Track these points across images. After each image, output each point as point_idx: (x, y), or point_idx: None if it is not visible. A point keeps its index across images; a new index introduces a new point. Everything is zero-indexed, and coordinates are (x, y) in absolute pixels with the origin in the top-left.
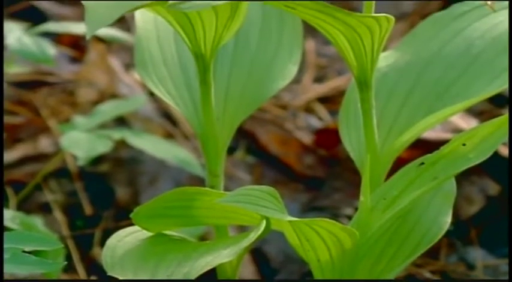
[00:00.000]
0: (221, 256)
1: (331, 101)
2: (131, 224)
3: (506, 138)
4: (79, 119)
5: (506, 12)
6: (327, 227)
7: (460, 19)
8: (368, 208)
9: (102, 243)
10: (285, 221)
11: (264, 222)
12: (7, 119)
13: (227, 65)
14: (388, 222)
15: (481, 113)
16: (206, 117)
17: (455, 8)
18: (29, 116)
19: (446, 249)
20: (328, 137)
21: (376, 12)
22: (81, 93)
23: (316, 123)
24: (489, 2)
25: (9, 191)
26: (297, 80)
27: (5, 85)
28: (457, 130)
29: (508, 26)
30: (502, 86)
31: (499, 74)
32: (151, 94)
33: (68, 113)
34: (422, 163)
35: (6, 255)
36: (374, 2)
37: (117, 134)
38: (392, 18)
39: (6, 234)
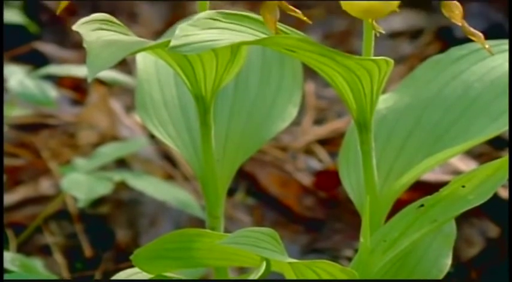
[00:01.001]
0: None
1: (331, 142)
2: (131, 266)
3: (505, 180)
4: (80, 161)
5: (504, 56)
6: (327, 268)
7: (459, 62)
8: (368, 250)
9: None
10: (285, 262)
11: (264, 263)
12: (8, 162)
13: (227, 107)
14: (388, 264)
15: (480, 155)
16: (206, 158)
17: (454, 51)
18: (30, 158)
19: None
20: (328, 179)
21: (375, 55)
22: (82, 135)
23: (316, 165)
24: (487, 46)
25: (9, 233)
26: (296, 122)
27: (6, 128)
28: (457, 172)
29: (508, 68)
30: (501, 129)
31: (498, 116)
32: (152, 136)
33: (68, 155)
34: (422, 205)
35: None
36: (373, 44)
37: (118, 176)
38: (391, 61)
39: (6, 276)
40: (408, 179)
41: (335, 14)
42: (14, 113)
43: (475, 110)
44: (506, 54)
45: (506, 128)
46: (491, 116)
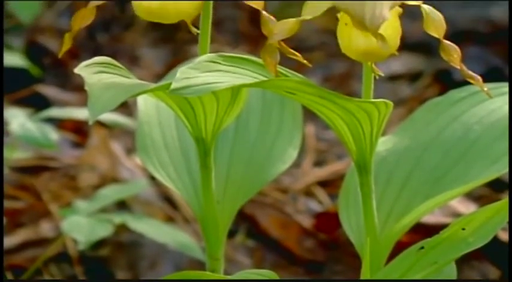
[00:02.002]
0: None
1: (331, 185)
2: None
3: (505, 223)
4: (80, 203)
5: (503, 99)
6: None
7: (458, 105)
8: None
9: None
10: None
11: None
12: (8, 204)
13: (228, 149)
14: None
15: (480, 197)
16: (206, 200)
17: (453, 94)
18: (31, 200)
19: None
20: (328, 221)
21: (374, 98)
22: (83, 177)
23: (316, 207)
24: (486, 89)
25: (9, 276)
26: (297, 164)
27: (7, 170)
28: (456, 214)
29: (508, 111)
30: (500, 171)
31: (498, 158)
32: (153, 178)
33: (69, 197)
34: (422, 247)
35: None
36: (372, 87)
37: (118, 218)
38: (390, 103)
39: None
40: (408, 221)
41: (335, 57)
42: (15, 155)
43: (475, 152)
44: (506, 97)
45: (506, 170)
46: (491, 158)
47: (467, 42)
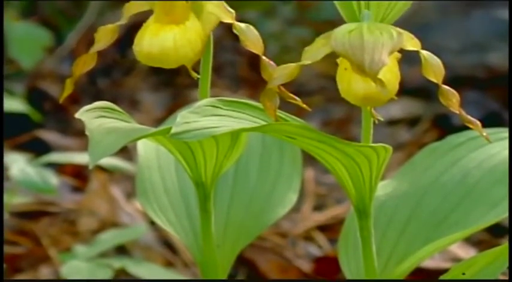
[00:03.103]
0: None
1: (331, 229)
2: None
3: (505, 268)
4: (80, 248)
5: (502, 144)
6: None
7: (457, 149)
8: None
9: None
10: None
11: None
12: (8, 249)
13: (227, 193)
14: None
15: (479, 242)
16: (206, 245)
17: (452, 138)
18: (30, 245)
19: None
20: (328, 265)
21: (373, 142)
22: (83, 222)
23: (315, 251)
24: (484, 133)
25: None
26: (296, 208)
27: (6, 215)
28: (456, 259)
29: (508, 155)
30: (500, 216)
31: (497, 203)
32: (152, 222)
33: (68, 242)
34: None
35: None
36: (372, 131)
37: (118, 263)
38: (389, 147)
39: None
40: (408, 265)
41: (334, 102)
42: (15, 200)
43: (474, 197)
44: (504, 142)
45: (506, 215)
46: (490, 203)
47: (465, 87)
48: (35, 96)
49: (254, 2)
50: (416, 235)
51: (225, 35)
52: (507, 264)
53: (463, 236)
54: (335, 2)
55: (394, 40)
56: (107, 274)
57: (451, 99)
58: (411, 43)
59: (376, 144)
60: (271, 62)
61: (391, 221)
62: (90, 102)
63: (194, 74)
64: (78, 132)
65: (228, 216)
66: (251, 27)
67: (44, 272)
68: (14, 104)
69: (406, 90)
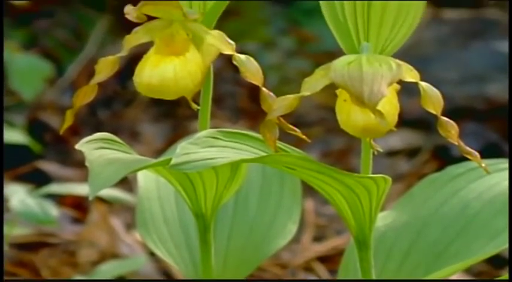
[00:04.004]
0: None
1: (331, 260)
2: None
3: None
4: (79, 280)
5: (501, 175)
6: None
7: (456, 180)
8: None
9: None
10: None
11: None
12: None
13: (227, 224)
14: None
15: (479, 273)
16: (206, 276)
17: (451, 169)
18: (29, 277)
19: None
20: None
21: (373, 173)
22: (82, 253)
23: None
24: (484, 164)
25: None
26: (296, 239)
27: (6, 247)
28: None
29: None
30: (500, 247)
31: (497, 234)
32: (152, 253)
33: (68, 273)
34: None
35: None
36: (371, 162)
37: None
38: (389, 178)
39: None
40: None
41: (333, 133)
42: (15, 232)
43: (474, 228)
44: (504, 173)
45: (506, 246)
46: (490, 234)
47: (464, 118)
48: (35, 128)
49: (254, 33)
50: (417, 266)
51: (225, 66)
52: None
53: (463, 267)
54: (334, 33)
55: (393, 72)
56: None
57: (450, 131)
58: (410, 75)
59: (376, 175)
60: (271, 93)
61: (391, 252)
62: (91, 134)
63: (194, 105)
64: (79, 164)
65: (228, 247)
66: (251, 58)
67: None
68: (14, 136)
69: (405, 121)
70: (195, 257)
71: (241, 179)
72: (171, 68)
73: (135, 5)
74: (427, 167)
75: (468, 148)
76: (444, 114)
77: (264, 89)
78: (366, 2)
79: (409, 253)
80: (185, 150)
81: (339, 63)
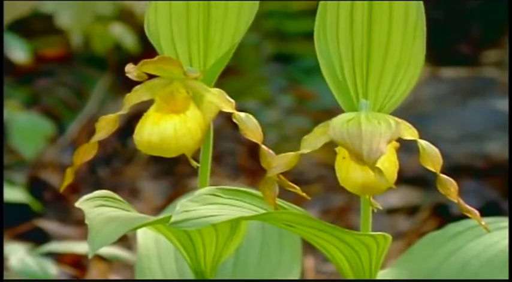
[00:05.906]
0: None
1: None
2: None
3: None
4: None
5: (501, 233)
6: None
7: (455, 239)
8: None
9: None
10: None
11: None
12: None
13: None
14: None
15: None
16: None
17: (450, 227)
18: None
19: None
20: None
21: (373, 231)
22: None
23: None
24: (483, 223)
25: None
26: None
27: None
28: None
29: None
30: None
31: None
32: None
33: None
34: None
35: None
36: (371, 220)
37: None
38: (389, 236)
39: None
40: None
41: (333, 190)
42: None
43: None
44: (504, 232)
45: None
46: None
47: (463, 176)
48: (35, 186)
49: (254, 91)
50: None
51: (225, 123)
52: None
53: None
54: (333, 91)
55: (392, 129)
56: None
57: (450, 188)
58: (409, 132)
59: (376, 233)
60: (271, 151)
61: None
62: (90, 191)
63: (194, 163)
64: (78, 222)
65: None
66: (251, 116)
67: None
68: (14, 194)
69: (404, 179)
70: None
71: (241, 236)
72: (171, 126)
73: (135, 63)
74: (427, 225)
75: (468, 206)
76: (443, 172)
77: (263, 146)
78: (365, 59)
79: None
80: (185, 208)
81: (338, 121)
